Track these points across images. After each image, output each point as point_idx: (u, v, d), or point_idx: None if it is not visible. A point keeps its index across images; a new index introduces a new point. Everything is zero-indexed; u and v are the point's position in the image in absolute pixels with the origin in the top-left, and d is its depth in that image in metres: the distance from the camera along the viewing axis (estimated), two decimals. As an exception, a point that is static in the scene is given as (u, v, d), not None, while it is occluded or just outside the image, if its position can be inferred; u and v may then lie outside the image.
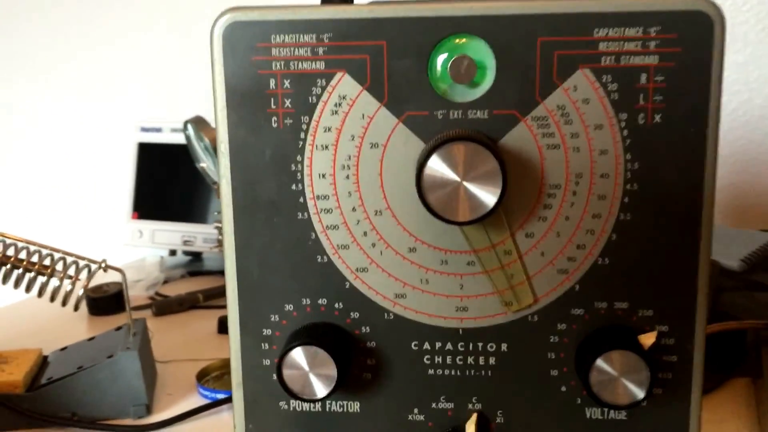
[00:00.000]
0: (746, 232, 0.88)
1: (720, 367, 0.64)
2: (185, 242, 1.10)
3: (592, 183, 0.38)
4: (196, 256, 1.15)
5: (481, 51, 0.38)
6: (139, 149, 1.12)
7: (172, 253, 1.15)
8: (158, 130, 1.11)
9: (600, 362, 0.38)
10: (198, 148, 0.88)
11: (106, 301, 0.92)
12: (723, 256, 0.77)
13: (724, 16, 0.36)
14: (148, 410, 0.66)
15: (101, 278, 0.74)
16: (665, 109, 0.37)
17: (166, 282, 1.06)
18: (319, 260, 0.40)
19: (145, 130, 1.12)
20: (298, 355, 0.38)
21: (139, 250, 1.16)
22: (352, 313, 0.41)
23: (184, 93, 1.22)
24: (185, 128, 0.90)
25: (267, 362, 0.41)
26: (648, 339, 0.39)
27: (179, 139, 1.01)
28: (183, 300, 0.95)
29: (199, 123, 0.84)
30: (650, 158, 0.38)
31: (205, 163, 0.81)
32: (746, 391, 0.62)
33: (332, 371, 0.38)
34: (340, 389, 0.39)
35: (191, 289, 0.98)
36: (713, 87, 0.37)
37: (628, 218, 0.39)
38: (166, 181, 1.13)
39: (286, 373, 0.39)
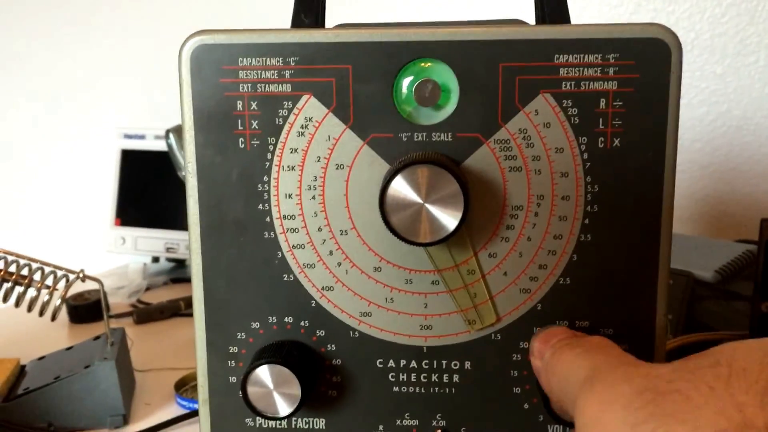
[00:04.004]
0: (723, 242, 0.89)
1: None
2: (168, 249, 1.11)
3: (553, 204, 0.39)
4: (179, 263, 1.15)
5: (445, 74, 0.38)
6: (122, 156, 1.13)
7: (155, 260, 1.15)
8: (141, 137, 1.11)
9: (560, 381, 0.38)
10: (180, 157, 0.88)
11: (86, 309, 0.92)
12: (698, 268, 0.77)
13: (680, 43, 0.37)
14: (125, 420, 0.66)
15: (82, 286, 0.74)
16: (624, 133, 0.38)
17: (148, 289, 1.06)
18: (285, 279, 0.41)
19: (128, 136, 1.12)
20: (263, 373, 0.39)
21: (122, 256, 1.16)
22: (318, 331, 0.41)
23: (169, 100, 1.22)
24: (167, 137, 0.90)
25: (233, 379, 0.42)
26: (607, 358, 0.40)
27: (162, 146, 1.01)
28: (164, 308, 0.95)
29: (180, 132, 0.84)
30: (610, 181, 0.39)
31: (186, 172, 0.81)
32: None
33: (296, 390, 0.38)
34: (304, 407, 0.40)
35: (174, 297, 0.99)
36: (671, 112, 0.38)
37: (588, 239, 0.39)
38: (149, 188, 1.13)
39: (251, 390, 0.39)
